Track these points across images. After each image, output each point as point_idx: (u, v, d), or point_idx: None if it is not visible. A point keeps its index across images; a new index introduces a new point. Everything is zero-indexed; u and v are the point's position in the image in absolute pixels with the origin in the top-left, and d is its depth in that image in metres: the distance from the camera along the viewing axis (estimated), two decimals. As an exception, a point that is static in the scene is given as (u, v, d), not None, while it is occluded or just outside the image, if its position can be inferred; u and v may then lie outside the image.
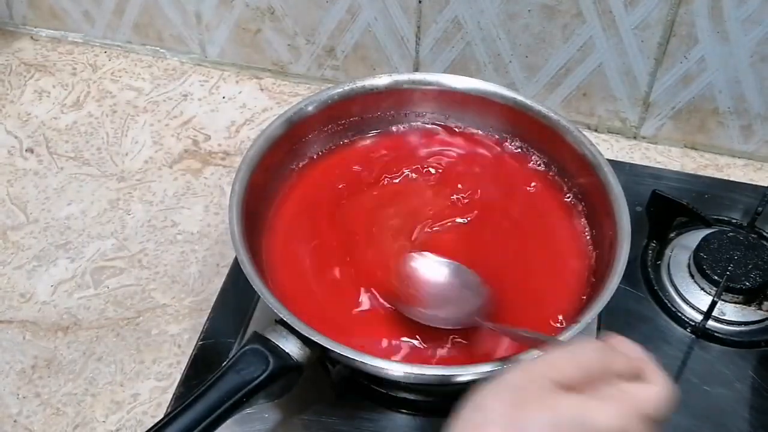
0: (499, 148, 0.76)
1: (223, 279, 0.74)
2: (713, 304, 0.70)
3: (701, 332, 0.71)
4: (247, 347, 0.58)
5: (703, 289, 0.73)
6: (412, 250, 0.67)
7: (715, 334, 0.71)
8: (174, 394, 0.67)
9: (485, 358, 0.59)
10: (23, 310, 0.73)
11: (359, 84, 0.74)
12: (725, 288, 0.71)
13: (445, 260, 0.65)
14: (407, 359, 0.62)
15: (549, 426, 0.40)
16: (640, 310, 0.73)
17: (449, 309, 0.63)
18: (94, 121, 0.91)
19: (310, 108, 0.73)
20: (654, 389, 0.43)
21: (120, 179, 0.84)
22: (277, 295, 0.60)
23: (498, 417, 0.41)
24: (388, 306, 0.65)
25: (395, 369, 0.57)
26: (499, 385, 0.43)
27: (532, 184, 0.74)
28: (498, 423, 0.41)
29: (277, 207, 0.71)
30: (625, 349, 0.46)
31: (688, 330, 0.71)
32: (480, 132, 0.77)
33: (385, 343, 0.63)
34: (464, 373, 0.57)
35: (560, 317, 0.64)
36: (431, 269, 0.65)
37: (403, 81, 0.75)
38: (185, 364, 0.69)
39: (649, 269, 0.75)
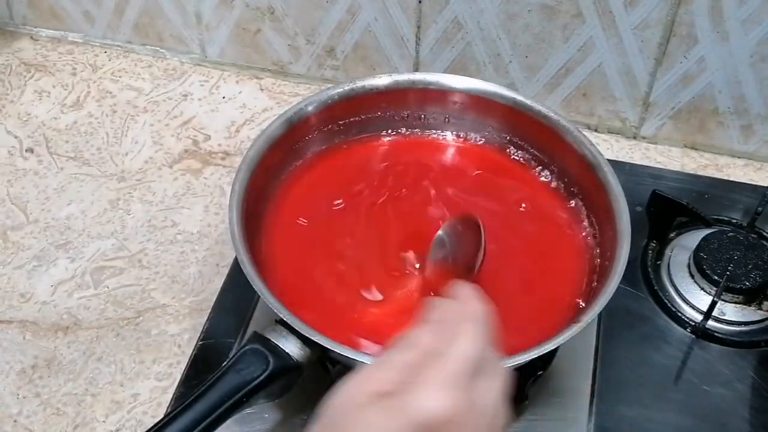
0: (498, 149, 0.76)
1: (223, 279, 0.74)
2: (713, 304, 0.70)
3: (701, 332, 0.71)
4: (247, 347, 0.58)
5: (703, 289, 0.73)
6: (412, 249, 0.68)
7: (715, 334, 0.71)
8: (174, 394, 0.67)
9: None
10: (23, 310, 0.73)
11: (359, 84, 0.74)
12: (725, 288, 0.71)
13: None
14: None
15: None
16: (640, 310, 0.73)
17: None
18: (94, 121, 0.91)
19: (310, 108, 0.73)
20: (462, 343, 0.42)
21: (120, 179, 0.84)
22: (277, 295, 0.60)
23: None
24: (388, 302, 0.65)
25: (395, 369, 0.57)
26: (321, 419, 0.42)
27: (532, 184, 0.74)
28: None
29: (277, 207, 0.71)
30: (448, 312, 0.45)
31: (688, 330, 0.71)
32: (479, 132, 0.77)
33: (385, 342, 0.63)
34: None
35: (560, 317, 0.64)
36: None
37: (403, 81, 0.75)
38: (185, 364, 0.69)
39: (649, 269, 0.75)
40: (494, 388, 0.42)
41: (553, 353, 0.67)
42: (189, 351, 0.70)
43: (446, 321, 0.44)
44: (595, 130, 0.90)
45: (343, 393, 0.42)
